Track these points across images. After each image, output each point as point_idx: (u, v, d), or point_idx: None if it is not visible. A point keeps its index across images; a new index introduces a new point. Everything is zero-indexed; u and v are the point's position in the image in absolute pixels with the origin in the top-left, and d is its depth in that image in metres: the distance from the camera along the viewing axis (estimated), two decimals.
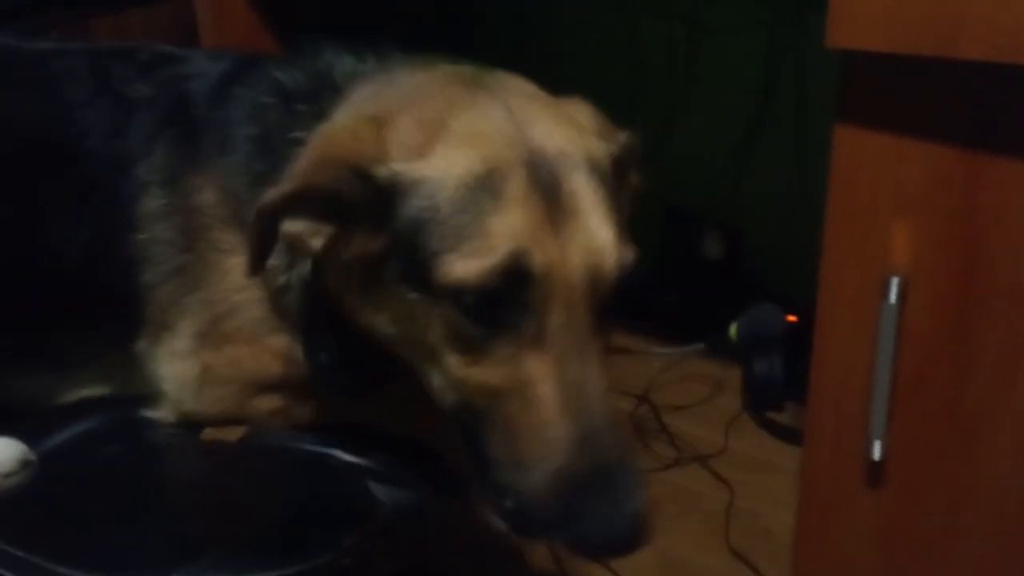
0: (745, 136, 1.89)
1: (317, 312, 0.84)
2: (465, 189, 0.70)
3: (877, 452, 1.02)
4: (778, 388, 1.70)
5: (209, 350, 0.91)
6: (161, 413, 0.95)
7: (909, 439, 1.02)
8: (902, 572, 1.09)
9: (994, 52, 0.80)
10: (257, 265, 0.78)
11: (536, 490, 0.68)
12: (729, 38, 1.83)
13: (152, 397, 0.95)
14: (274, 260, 0.85)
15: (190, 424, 0.93)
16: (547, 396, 0.69)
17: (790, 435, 1.64)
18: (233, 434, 0.89)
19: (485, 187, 0.70)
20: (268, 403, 0.93)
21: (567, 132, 0.77)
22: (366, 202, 0.73)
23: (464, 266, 0.68)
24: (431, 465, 0.85)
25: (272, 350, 0.90)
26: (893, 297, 0.94)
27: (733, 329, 1.71)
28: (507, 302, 0.69)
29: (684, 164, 1.84)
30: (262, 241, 0.76)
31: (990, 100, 0.86)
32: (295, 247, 0.77)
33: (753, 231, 1.92)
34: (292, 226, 0.75)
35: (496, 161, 0.71)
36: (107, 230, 0.92)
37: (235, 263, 0.88)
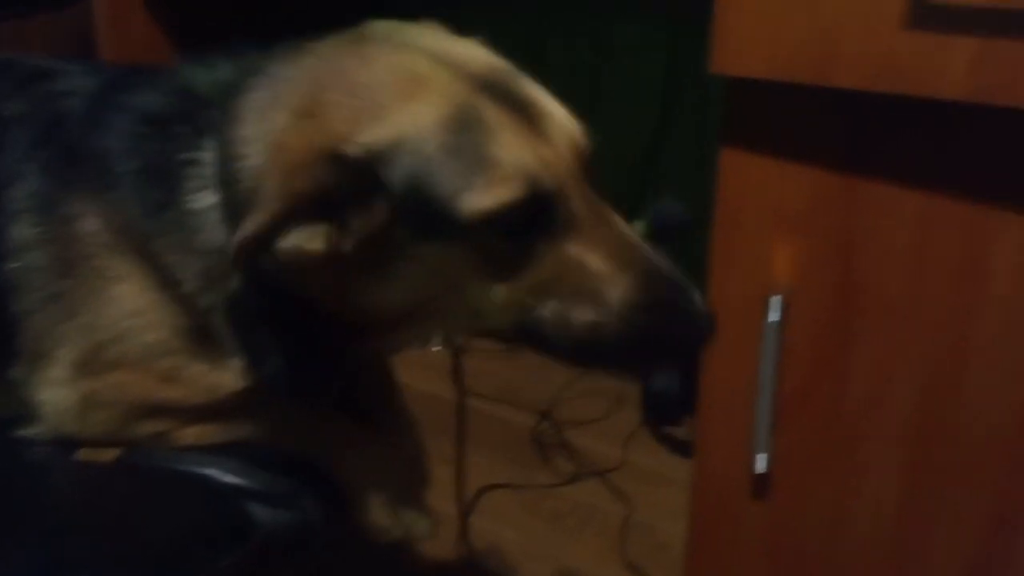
0: (647, 154, 1.93)
1: (261, 322, 0.83)
2: (448, 132, 0.72)
3: (762, 465, 1.05)
4: (675, 403, 1.74)
5: (90, 377, 0.88)
6: (37, 432, 0.91)
7: (792, 452, 1.05)
8: None
9: (865, 81, 0.84)
10: (246, 290, 0.78)
11: (624, 327, 0.76)
12: (631, 58, 1.87)
13: (28, 417, 0.91)
14: (189, 286, 0.83)
15: (67, 443, 0.89)
16: (598, 262, 0.76)
17: (686, 449, 1.68)
18: (109, 454, 0.87)
19: (467, 124, 0.72)
20: (153, 427, 0.90)
21: (476, 49, 0.81)
22: (348, 186, 0.72)
23: (486, 198, 0.71)
24: (314, 485, 0.84)
25: (161, 373, 0.88)
26: (775, 315, 0.98)
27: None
28: (532, 214, 0.73)
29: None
30: (250, 269, 0.75)
31: (864, 125, 0.90)
32: (296, 262, 0.74)
33: (656, 247, 1.95)
34: (287, 242, 0.73)
35: (457, 96, 0.74)
36: None
37: (123, 290, 0.86)
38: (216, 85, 0.85)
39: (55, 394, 0.88)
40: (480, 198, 0.71)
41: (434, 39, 0.81)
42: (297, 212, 0.72)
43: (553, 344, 0.79)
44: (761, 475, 1.06)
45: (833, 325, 0.98)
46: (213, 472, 0.83)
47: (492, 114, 0.74)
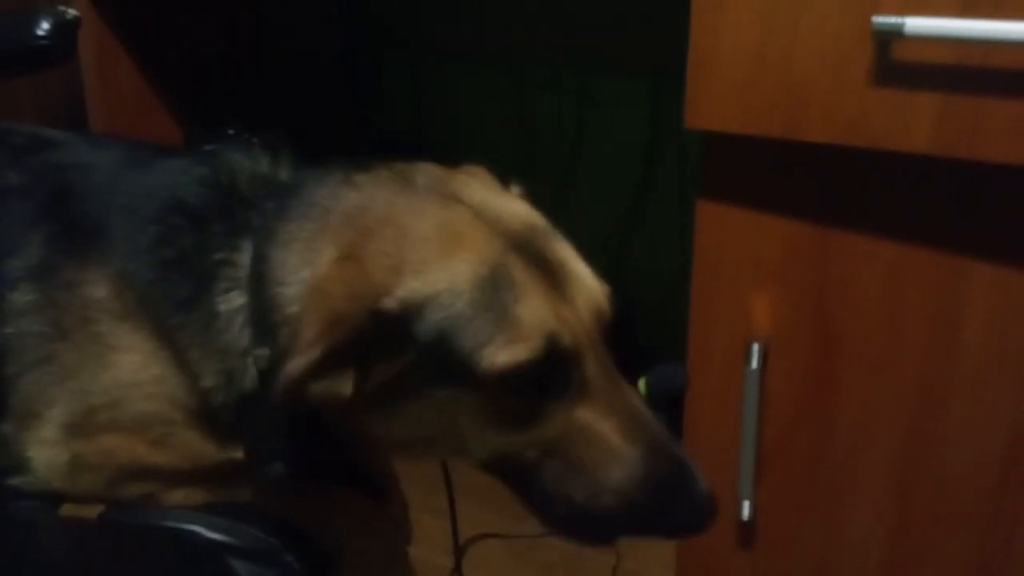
0: (631, 207, 1.95)
1: (271, 428, 0.83)
2: (480, 291, 0.74)
3: (746, 512, 1.06)
4: None
5: (80, 439, 0.88)
6: (24, 482, 0.91)
7: (776, 499, 1.06)
8: None
9: (835, 136, 0.86)
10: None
11: (619, 502, 0.75)
12: (615, 112, 1.91)
13: (15, 469, 0.91)
14: (207, 383, 0.84)
15: (52, 498, 0.90)
16: (606, 431, 0.76)
17: None
18: (93, 509, 0.87)
19: (497, 283, 0.74)
20: (139, 488, 0.90)
21: (515, 203, 0.83)
22: (381, 336, 0.74)
23: (505, 354, 0.72)
24: (298, 543, 0.84)
25: (151, 439, 0.88)
26: (755, 363, 0.99)
27: (642, 384, 1.74)
28: (548, 374, 0.74)
29: (573, 234, 1.89)
30: (289, 409, 0.75)
31: (837, 178, 0.92)
32: (322, 401, 0.76)
33: (642, 301, 1.97)
34: (320, 387, 0.74)
35: (491, 255, 0.75)
36: None
37: (123, 359, 0.86)
38: (257, 183, 0.86)
39: (44, 453, 0.89)
40: (499, 353, 0.73)
41: (479, 191, 0.83)
42: (333, 359, 0.74)
43: (543, 505, 0.78)
44: (746, 523, 1.07)
45: (812, 372, 1.00)
46: (197, 528, 0.83)
47: (521, 274, 0.75)
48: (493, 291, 0.74)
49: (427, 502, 1.04)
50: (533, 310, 0.74)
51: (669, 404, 1.68)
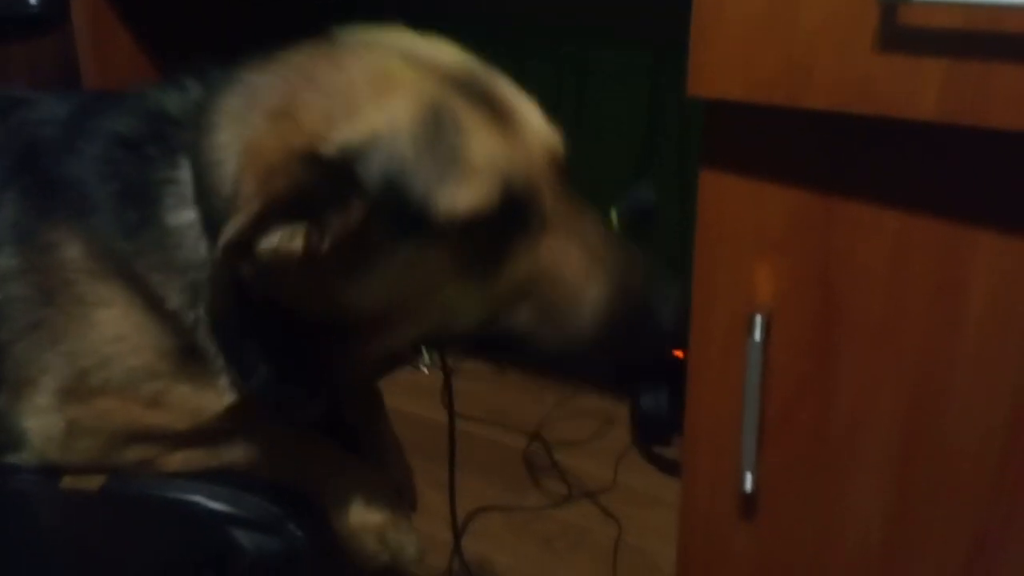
0: (630, 176, 1.94)
1: (247, 334, 0.83)
2: (421, 130, 0.72)
3: (749, 484, 1.05)
4: (665, 423, 1.74)
5: (75, 404, 0.88)
6: (22, 458, 0.91)
7: (779, 471, 1.06)
8: None
9: (840, 103, 0.85)
10: (226, 298, 0.78)
11: (598, 325, 0.78)
12: (614, 82, 1.89)
13: (12, 444, 0.91)
14: (173, 303, 0.83)
15: (51, 471, 0.89)
16: (573, 260, 0.77)
17: (676, 469, 1.68)
18: (94, 481, 0.87)
19: (439, 123, 0.73)
20: (138, 453, 0.90)
21: (445, 47, 0.82)
22: (325, 185, 0.73)
23: (460, 199, 0.72)
24: (302, 511, 0.84)
25: (146, 399, 0.88)
26: (758, 334, 0.98)
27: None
28: (506, 214, 0.74)
29: None
30: (235, 271, 0.75)
31: (841, 147, 0.91)
32: (276, 261, 0.74)
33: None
34: (268, 242, 0.73)
35: (429, 94, 0.74)
36: None
37: (105, 315, 0.86)
38: (187, 105, 0.85)
39: (39, 422, 0.88)
40: (454, 199, 0.72)
41: (405, 39, 0.82)
42: (276, 212, 0.72)
43: (526, 342, 0.80)
44: (748, 494, 1.06)
45: (816, 344, 0.99)
46: (198, 499, 0.83)
47: (465, 113, 0.74)
48: (436, 131, 0.73)
49: (428, 475, 1.04)
50: (483, 149, 0.73)
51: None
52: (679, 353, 1.73)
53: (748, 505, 1.09)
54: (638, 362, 1.62)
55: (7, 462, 0.90)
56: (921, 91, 0.81)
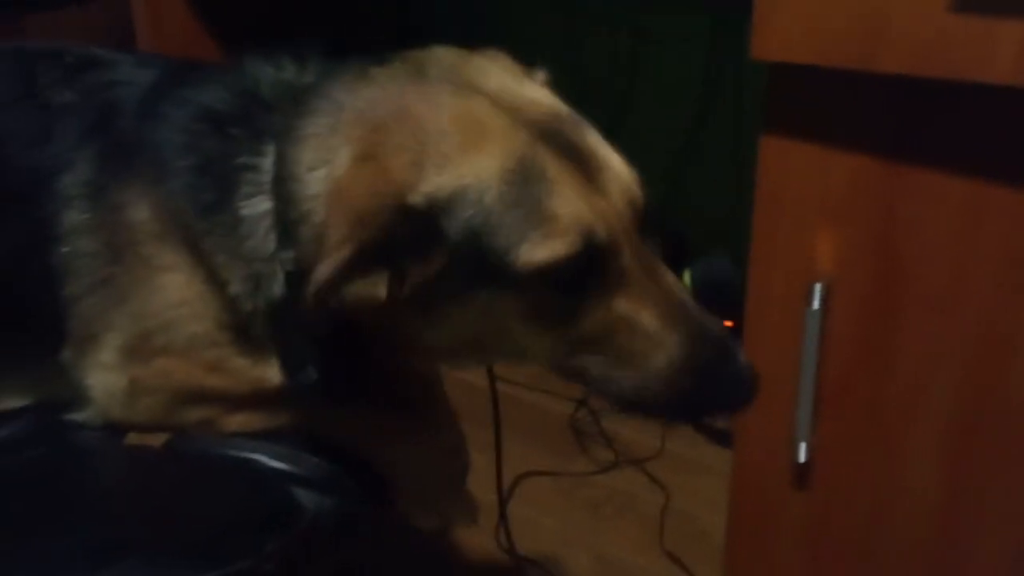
0: (686, 144, 1.92)
1: (301, 333, 0.84)
2: (508, 184, 0.73)
3: (803, 454, 1.04)
4: None
5: (137, 363, 0.89)
6: (87, 416, 0.93)
7: (834, 441, 1.04)
8: (830, 572, 1.12)
9: (912, 66, 0.83)
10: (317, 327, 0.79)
11: (667, 388, 0.77)
12: (670, 48, 1.86)
13: (78, 401, 0.93)
14: (235, 289, 0.84)
15: (116, 428, 0.91)
16: (647, 319, 0.77)
17: (725, 438, 1.67)
18: (158, 438, 0.88)
19: (526, 176, 0.73)
20: (198, 413, 0.92)
21: (537, 91, 0.82)
22: (410, 234, 0.74)
23: (542, 251, 0.72)
24: (359, 472, 0.85)
25: (206, 363, 0.89)
26: (817, 303, 0.97)
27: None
28: (586, 268, 0.74)
29: None
30: (322, 315, 0.76)
31: (909, 112, 0.89)
32: (360, 305, 0.76)
33: (694, 238, 1.94)
34: (352, 289, 0.75)
35: (517, 147, 0.74)
36: (27, 243, 0.89)
37: (170, 280, 0.87)
38: (280, 89, 0.85)
39: (103, 378, 0.90)
40: (535, 251, 0.72)
41: (498, 79, 0.81)
42: (363, 260, 0.73)
43: (598, 389, 0.80)
44: (802, 464, 1.06)
45: (876, 313, 0.97)
46: (259, 457, 0.84)
47: (551, 165, 0.74)
48: (523, 184, 0.73)
49: (475, 439, 1.04)
50: (567, 203, 0.73)
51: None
52: (728, 323, 1.71)
53: (801, 474, 1.08)
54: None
55: (72, 419, 0.92)
56: (996, 52, 0.79)
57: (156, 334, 0.88)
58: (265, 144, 0.82)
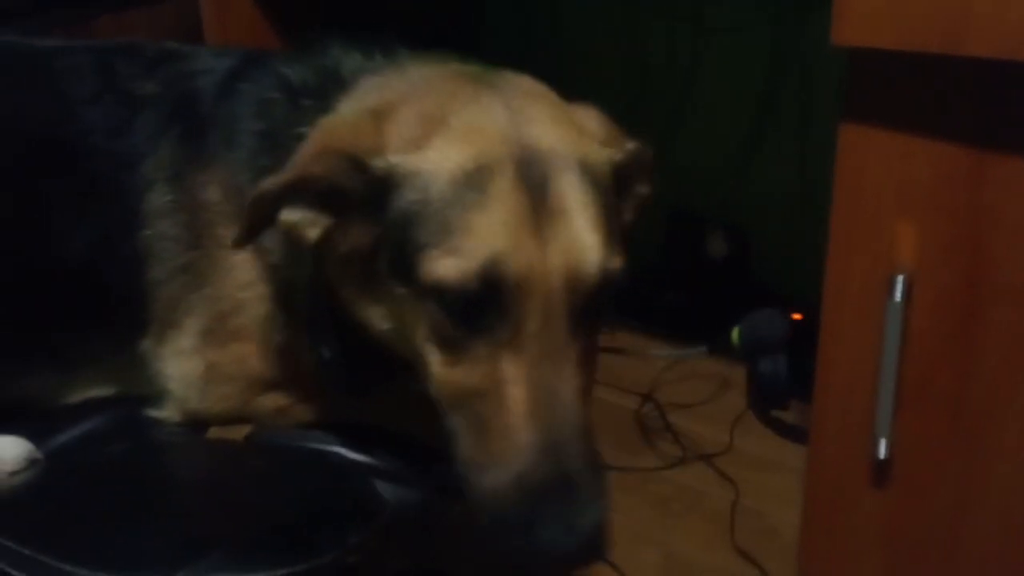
0: (748, 136, 1.89)
1: (320, 307, 0.85)
2: (454, 184, 0.70)
3: (883, 450, 1.02)
4: (783, 387, 1.70)
5: (214, 348, 0.91)
6: (166, 412, 0.95)
7: (914, 438, 1.02)
8: (907, 571, 1.09)
9: (999, 50, 0.80)
10: (244, 243, 0.78)
11: (497, 493, 0.68)
12: (732, 38, 1.83)
13: (157, 396, 0.95)
14: (275, 257, 0.85)
15: (195, 423, 0.93)
16: (517, 399, 0.69)
17: (795, 434, 1.64)
18: (238, 433, 0.89)
19: (472, 183, 0.70)
20: (272, 401, 0.93)
21: (565, 133, 0.76)
22: (363, 193, 0.74)
23: (444, 265, 0.68)
24: (433, 464, 0.85)
25: (276, 348, 0.91)
26: (898, 295, 0.94)
27: (735, 334, 1.71)
28: (485, 304, 0.69)
29: (687, 164, 1.84)
30: (255, 224, 0.77)
31: (995, 98, 0.86)
32: (291, 236, 0.77)
33: (757, 231, 1.91)
34: (290, 215, 0.75)
35: (486, 157, 0.71)
36: (112, 228, 0.92)
37: (239, 259, 0.89)
38: (357, 71, 0.87)
39: (181, 365, 0.92)
40: (436, 263, 0.69)
41: (535, 107, 0.77)
42: (304, 190, 0.74)
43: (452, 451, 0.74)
44: (881, 461, 1.03)
45: (959, 307, 0.95)
46: (339, 450, 0.85)
47: (501, 184, 0.70)
48: (464, 188, 0.70)
49: None
50: (488, 223, 0.68)
51: (764, 352, 1.65)
52: (797, 316, 1.69)
53: (880, 472, 1.06)
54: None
55: (152, 415, 0.94)
56: None
57: (230, 317, 0.89)
58: (327, 116, 0.83)
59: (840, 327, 1.02)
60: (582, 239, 0.71)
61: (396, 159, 0.73)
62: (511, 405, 0.68)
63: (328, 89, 0.86)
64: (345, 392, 0.90)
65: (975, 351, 0.96)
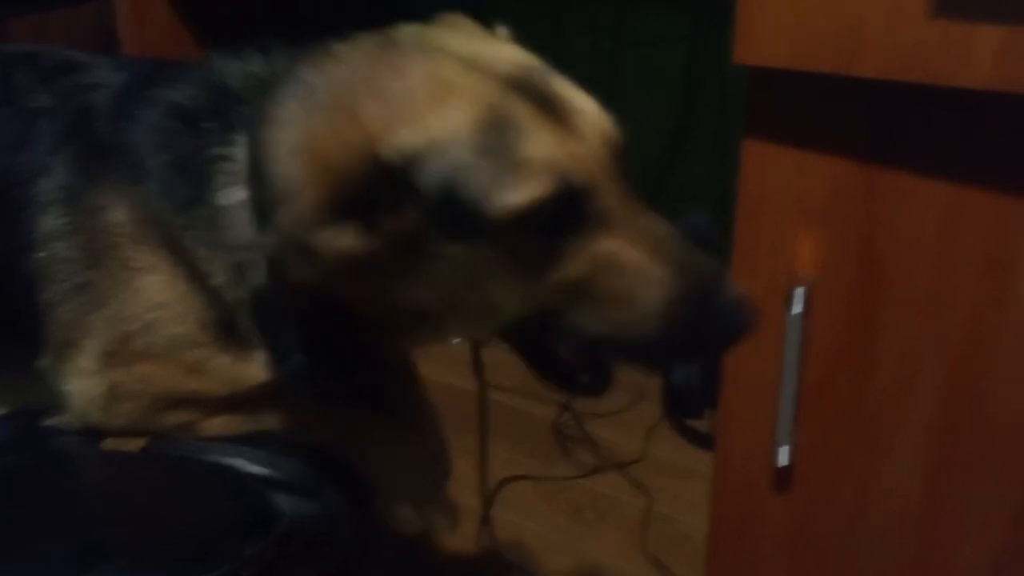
0: (667, 146, 1.92)
1: (286, 319, 0.83)
2: (479, 134, 0.72)
3: (784, 457, 1.05)
4: (696, 395, 1.72)
5: (117, 368, 0.89)
6: (65, 422, 0.92)
7: (815, 444, 1.05)
8: (811, 575, 1.12)
9: (888, 70, 0.83)
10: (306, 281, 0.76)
11: (661, 324, 0.75)
12: (652, 50, 1.86)
13: (57, 407, 0.92)
14: (217, 280, 0.84)
15: (94, 433, 0.91)
16: (634, 257, 0.75)
17: (708, 442, 1.67)
18: (135, 443, 0.87)
19: (496, 125, 0.72)
20: (178, 417, 0.91)
21: (504, 47, 0.82)
22: (381, 188, 0.73)
23: (516, 196, 0.71)
24: (338, 476, 0.85)
25: (187, 365, 0.89)
26: (798, 307, 0.97)
27: None
28: (564, 210, 0.73)
29: None
30: (282, 268, 0.75)
31: (887, 116, 0.89)
32: (328, 257, 0.74)
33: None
34: (320, 238, 0.73)
35: (487, 98, 0.74)
36: (6, 249, 0.89)
37: (149, 281, 0.87)
38: (248, 80, 0.85)
39: (82, 384, 0.89)
40: (510, 196, 0.71)
41: (463, 41, 0.81)
42: (331, 208, 0.72)
43: (587, 341, 0.78)
44: (783, 468, 1.06)
45: (856, 316, 0.98)
46: (238, 462, 0.84)
47: (522, 113, 0.73)
48: (494, 133, 0.72)
49: (459, 443, 1.04)
50: (540, 147, 0.72)
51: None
52: None
53: (783, 478, 1.08)
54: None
55: (51, 424, 0.91)
56: (974, 59, 0.79)
57: (136, 337, 0.87)
58: (237, 134, 0.82)
59: None
60: (598, 116, 0.78)
61: (400, 142, 0.72)
62: (632, 263, 0.75)
63: (224, 106, 0.84)
64: (315, 396, 0.90)
65: (872, 360, 0.99)
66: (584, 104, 0.77)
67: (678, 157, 1.93)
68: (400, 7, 2.11)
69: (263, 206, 0.78)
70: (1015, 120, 0.84)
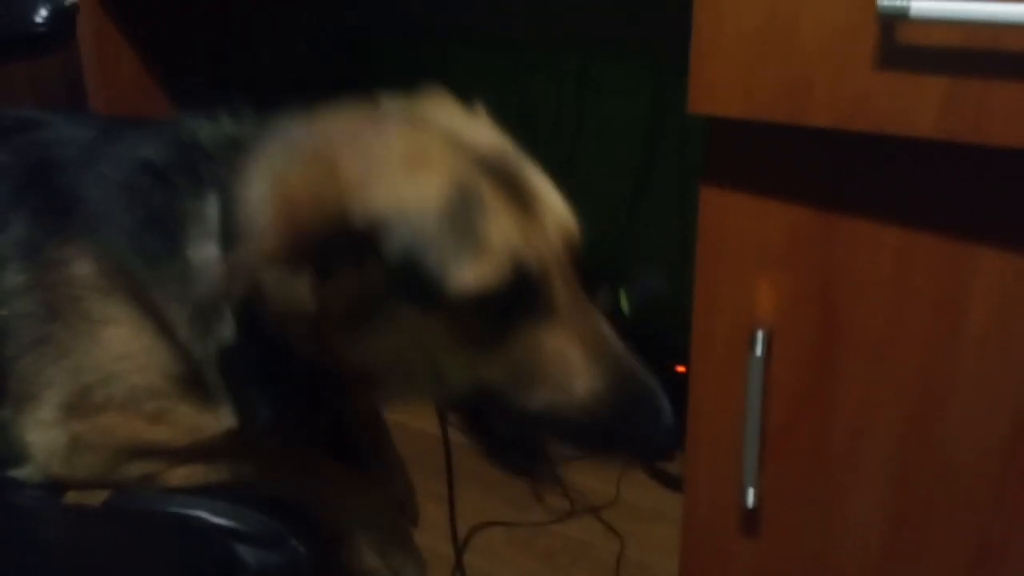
0: (631, 191, 1.95)
1: (251, 374, 0.83)
2: (448, 210, 0.74)
3: (751, 500, 1.05)
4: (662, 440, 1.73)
5: (79, 419, 0.88)
6: (26, 474, 0.91)
7: (780, 486, 1.06)
8: None
9: (839, 120, 0.85)
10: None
11: (584, 415, 0.78)
12: (615, 98, 1.90)
13: (16, 458, 0.91)
14: (184, 335, 0.84)
15: (55, 486, 0.90)
16: (572, 354, 0.77)
17: (679, 485, 1.68)
18: (97, 496, 0.87)
19: (463, 203, 0.74)
20: (141, 468, 0.90)
21: (482, 127, 0.85)
22: (345, 245, 0.74)
23: (474, 274, 0.73)
24: (302, 526, 0.84)
25: (149, 415, 0.88)
26: (759, 350, 0.98)
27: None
28: (516, 296, 0.75)
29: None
30: (243, 296, 0.76)
31: (842, 165, 0.92)
32: (281, 301, 0.75)
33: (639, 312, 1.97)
34: (276, 281, 0.74)
35: (460, 175, 0.76)
36: None
37: (112, 333, 0.86)
38: (219, 139, 0.86)
39: (43, 436, 0.89)
40: (467, 275, 0.73)
41: (445, 115, 0.84)
42: (291, 249, 0.73)
43: (511, 415, 0.80)
44: (750, 510, 1.07)
45: (816, 359, 0.99)
46: (201, 514, 0.83)
47: (488, 194, 0.76)
48: (460, 211, 0.74)
49: (429, 489, 1.04)
50: (501, 231, 0.74)
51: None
52: (681, 368, 1.73)
53: (750, 520, 1.09)
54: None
55: (10, 476, 0.90)
56: (920, 108, 0.82)
57: (96, 388, 0.87)
58: (209, 191, 0.83)
59: (707, 380, 1.05)
60: (561, 210, 0.81)
61: (370, 205, 0.74)
62: (569, 360, 0.77)
63: (195, 162, 0.85)
64: (279, 442, 0.90)
65: (832, 403, 1.00)
66: (549, 196, 0.80)
67: (641, 202, 1.95)
68: (360, 55, 2.15)
69: None
70: (960, 168, 0.86)
